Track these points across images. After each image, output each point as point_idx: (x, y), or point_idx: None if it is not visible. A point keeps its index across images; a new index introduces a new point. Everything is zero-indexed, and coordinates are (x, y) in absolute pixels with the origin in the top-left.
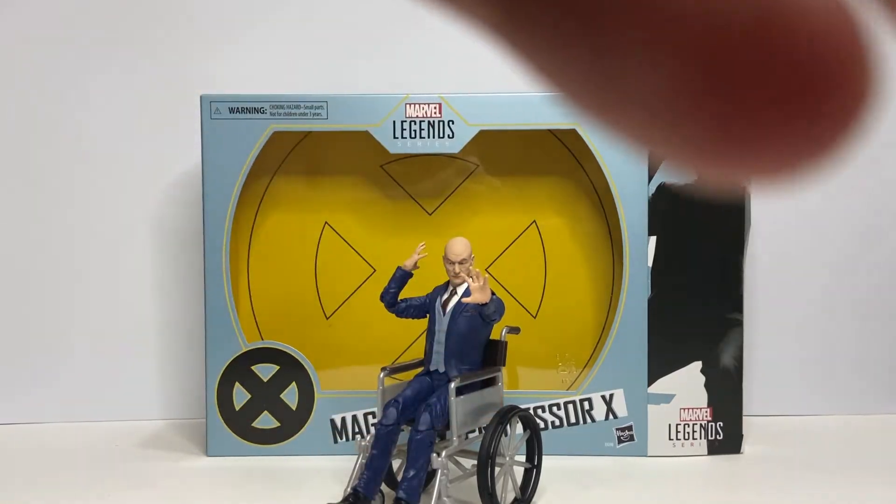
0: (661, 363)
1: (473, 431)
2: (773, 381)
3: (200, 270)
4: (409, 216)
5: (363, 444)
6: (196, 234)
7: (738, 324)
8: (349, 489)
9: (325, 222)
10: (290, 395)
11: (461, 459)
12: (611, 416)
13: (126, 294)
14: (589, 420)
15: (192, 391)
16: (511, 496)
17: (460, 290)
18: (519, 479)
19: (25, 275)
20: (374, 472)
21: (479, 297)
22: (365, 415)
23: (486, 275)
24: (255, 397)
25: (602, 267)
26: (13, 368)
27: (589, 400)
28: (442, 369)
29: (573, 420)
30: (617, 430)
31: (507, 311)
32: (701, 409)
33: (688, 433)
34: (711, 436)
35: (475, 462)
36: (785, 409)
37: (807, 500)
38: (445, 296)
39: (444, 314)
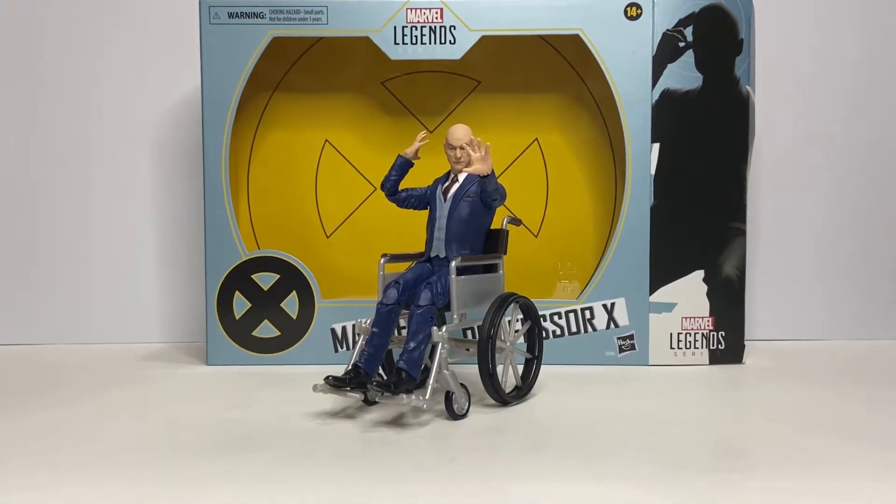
0: (663, 272)
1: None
2: (777, 303)
3: (201, 190)
4: (410, 134)
5: (364, 324)
6: (196, 148)
7: (741, 233)
8: (349, 366)
9: (326, 140)
10: (291, 304)
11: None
12: (612, 325)
13: (127, 211)
14: (590, 329)
15: (193, 315)
16: (511, 386)
17: (461, 178)
18: (520, 373)
19: (25, 196)
20: (374, 349)
21: (480, 167)
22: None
23: (489, 143)
24: (256, 306)
25: (604, 179)
26: (11, 289)
27: (590, 309)
28: (443, 255)
29: (574, 329)
30: (618, 339)
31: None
32: (703, 318)
33: (689, 342)
34: (713, 345)
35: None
36: (788, 335)
37: (809, 401)
38: (446, 183)
39: (444, 201)
